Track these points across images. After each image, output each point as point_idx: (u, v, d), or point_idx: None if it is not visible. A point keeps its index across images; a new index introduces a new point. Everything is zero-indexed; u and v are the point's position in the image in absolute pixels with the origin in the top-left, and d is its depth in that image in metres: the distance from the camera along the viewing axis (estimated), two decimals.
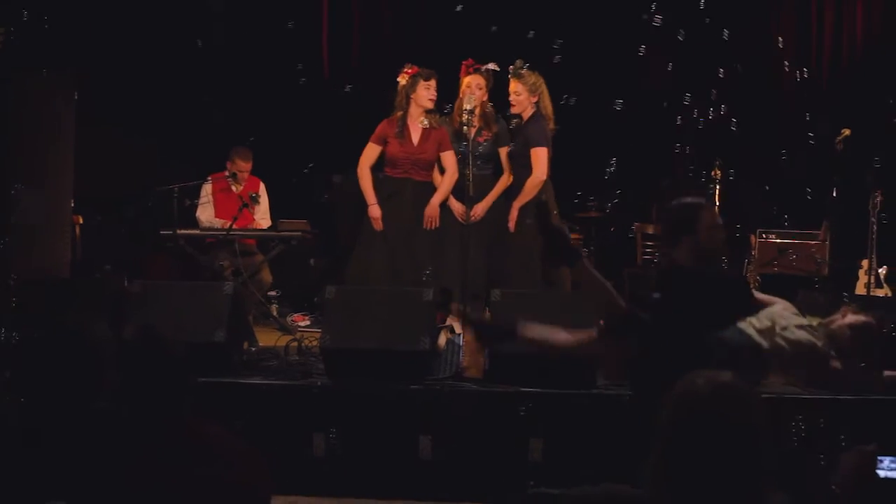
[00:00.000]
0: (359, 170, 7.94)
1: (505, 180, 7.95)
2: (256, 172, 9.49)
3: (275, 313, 9.04)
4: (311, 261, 9.91)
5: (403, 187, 7.85)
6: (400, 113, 7.88)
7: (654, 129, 9.84)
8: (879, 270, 8.69)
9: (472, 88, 7.80)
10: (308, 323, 8.94)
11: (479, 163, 7.77)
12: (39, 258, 8.61)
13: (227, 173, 9.31)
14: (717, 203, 9.11)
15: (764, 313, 4.70)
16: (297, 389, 6.44)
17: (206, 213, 9.31)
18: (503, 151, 7.96)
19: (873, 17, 11.07)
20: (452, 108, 8.01)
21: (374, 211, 7.83)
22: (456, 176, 7.85)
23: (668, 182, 10.67)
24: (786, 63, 10.23)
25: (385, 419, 6.29)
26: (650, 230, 10.48)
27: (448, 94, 8.01)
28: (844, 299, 5.63)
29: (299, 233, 9.05)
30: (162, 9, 10.31)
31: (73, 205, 9.09)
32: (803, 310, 4.96)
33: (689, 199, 5.08)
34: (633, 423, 4.52)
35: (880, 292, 8.62)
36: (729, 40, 10.66)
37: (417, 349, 6.39)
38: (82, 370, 3.09)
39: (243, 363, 6.87)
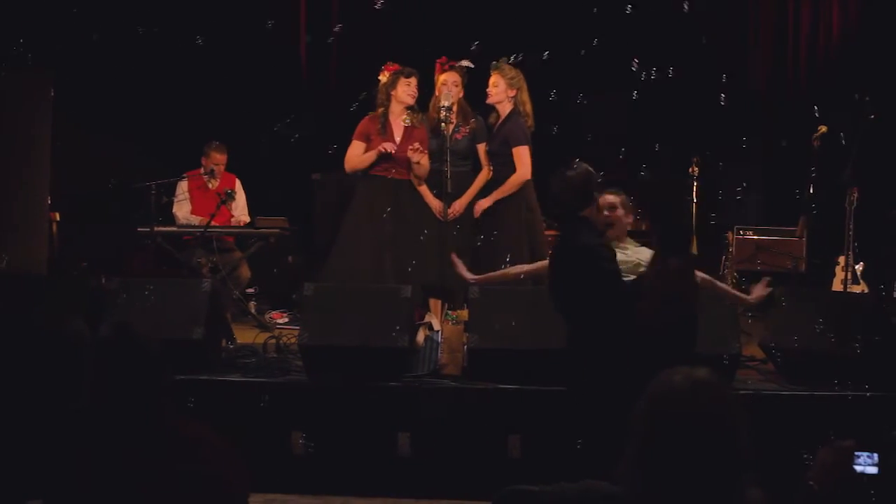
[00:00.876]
0: (348, 167, 7.91)
1: (483, 176, 7.93)
2: (234, 168, 9.47)
3: (253, 310, 9.02)
4: (290, 258, 9.89)
5: (384, 185, 7.83)
6: (381, 110, 7.88)
7: (634, 126, 9.85)
8: (856, 267, 8.73)
9: (449, 85, 7.80)
10: (286, 320, 8.92)
11: (457, 159, 7.75)
12: (16, 255, 8.57)
13: (202, 170, 9.29)
14: (695, 199, 9.12)
15: None
16: (276, 386, 6.43)
17: (182, 210, 9.29)
18: (481, 147, 7.95)
19: (849, 14, 11.12)
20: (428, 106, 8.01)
21: (388, 146, 7.79)
22: (421, 176, 7.83)
23: (648, 178, 10.70)
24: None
25: (363, 416, 6.28)
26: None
27: (423, 94, 8.00)
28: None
29: (277, 230, 9.03)
30: (138, 7, 10.28)
31: (49, 202, 9.05)
32: None
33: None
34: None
35: (857, 288, 8.66)
36: (706, 35, 10.74)
37: (396, 346, 6.38)
38: (59, 368, 3.08)
39: (221, 360, 6.85)
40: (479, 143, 7.95)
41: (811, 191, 8.74)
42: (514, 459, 6.18)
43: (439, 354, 6.62)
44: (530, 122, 7.88)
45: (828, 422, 5.95)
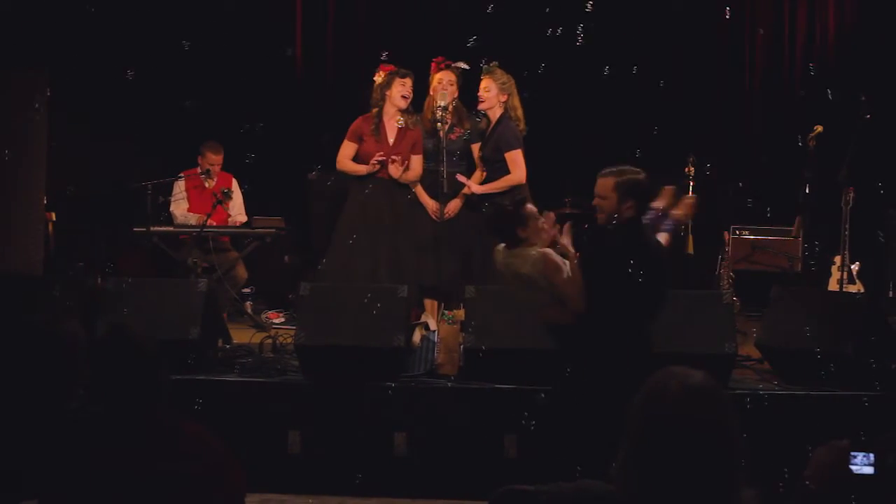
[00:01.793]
0: (339, 167, 7.92)
1: (478, 177, 7.93)
2: (228, 168, 9.46)
3: (249, 310, 9.02)
4: (286, 258, 9.89)
5: (377, 186, 7.83)
6: (375, 110, 7.87)
7: (627, 125, 9.85)
8: (852, 266, 8.74)
9: (444, 84, 7.79)
10: (282, 320, 8.91)
11: (451, 160, 7.75)
12: (12, 255, 8.57)
13: (199, 170, 9.28)
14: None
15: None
16: (272, 386, 6.43)
17: (180, 209, 9.28)
18: (475, 148, 7.94)
19: (846, 13, 11.13)
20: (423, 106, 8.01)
21: (374, 161, 7.79)
22: (415, 179, 7.84)
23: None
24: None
25: (360, 416, 6.28)
26: None
27: (419, 95, 8.00)
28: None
29: (273, 230, 9.03)
30: (134, 7, 10.28)
31: (45, 202, 9.04)
32: None
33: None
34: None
35: (853, 288, 8.66)
36: (703, 35, 10.75)
37: (392, 346, 6.38)
38: (55, 368, 3.08)
39: (217, 360, 6.85)
40: (473, 143, 7.95)
41: (807, 190, 8.74)
42: (511, 459, 6.18)
43: (436, 354, 6.62)
44: (522, 125, 7.87)
45: (823, 421, 5.97)
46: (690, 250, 9.04)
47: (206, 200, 9.03)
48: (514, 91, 7.84)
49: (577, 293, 5.03)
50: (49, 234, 9.35)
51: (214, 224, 8.91)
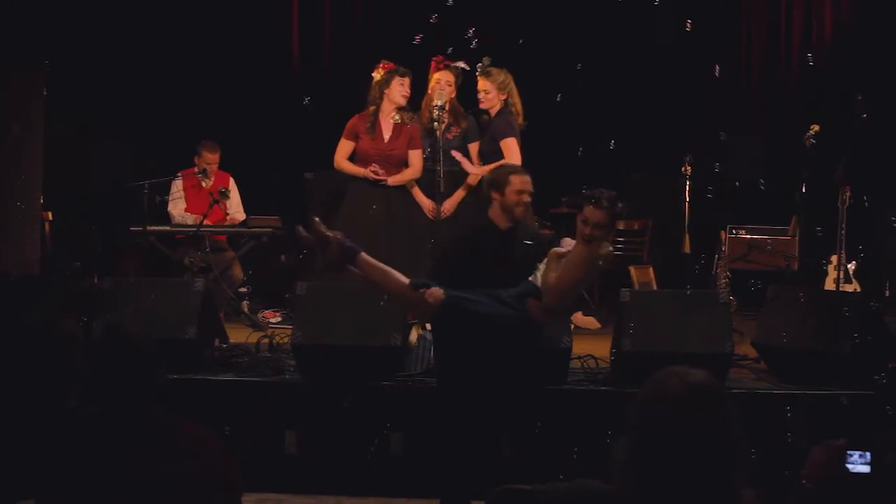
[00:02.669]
0: (336, 165, 7.92)
1: (472, 180, 7.92)
2: (226, 167, 9.46)
3: (245, 310, 9.02)
4: (282, 257, 9.87)
5: (375, 184, 7.83)
6: (372, 108, 7.87)
7: (624, 125, 9.85)
8: (848, 266, 8.74)
9: (442, 84, 7.79)
10: (279, 319, 8.91)
11: (448, 159, 7.75)
12: (8, 255, 8.56)
13: (196, 169, 9.28)
14: (688, 199, 9.11)
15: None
16: (269, 386, 6.43)
17: (177, 208, 9.28)
18: (473, 147, 7.94)
19: (842, 12, 11.14)
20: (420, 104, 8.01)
21: (375, 167, 7.80)
22: (418, 175, 7.85)
23: (639, 177, 10.72)
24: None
25: (356, 416, 6.28)
26: (621, 225, 10.48)
27: (417, 93, 8.00)
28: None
29: (270, 229, 9.02)
30: (131, 6, 10.28)
31: (42, 201, 9.04)
32: None
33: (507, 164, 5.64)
34: None
35: (849, 287, 8.66)
36: (699, 35, 10.73)
37: (389, 345, 6.38)
38: (52, 368, 3.08)
39: (214, 360, 6.85)
40: (470, 142, 7.95)
41: (804, 190, 8.74)
42: (508, 459, 6.17)
43: (432, 354, 6.61)
44: (521, 119, 7.88)
45: (820, 421, 5.97)
46: (687, 249, 9.04)
47: (203, 200, 9.03)
48: (514, 88, 7.86)
49: None
50: (46, 234, 9.35)
51: (211, 224, 8.91)
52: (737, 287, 9.05)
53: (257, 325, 8.45)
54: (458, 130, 7.93)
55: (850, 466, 2.76)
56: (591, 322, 9.04)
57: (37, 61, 9.08)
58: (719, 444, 2.29)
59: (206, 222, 8.75)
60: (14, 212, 8.75)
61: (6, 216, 8.80)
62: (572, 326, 7.06)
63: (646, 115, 10.38)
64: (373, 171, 7.74)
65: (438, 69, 7.87)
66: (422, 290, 5.40)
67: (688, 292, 7.31)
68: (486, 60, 7.84)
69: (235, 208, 9.37)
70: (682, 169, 9.08)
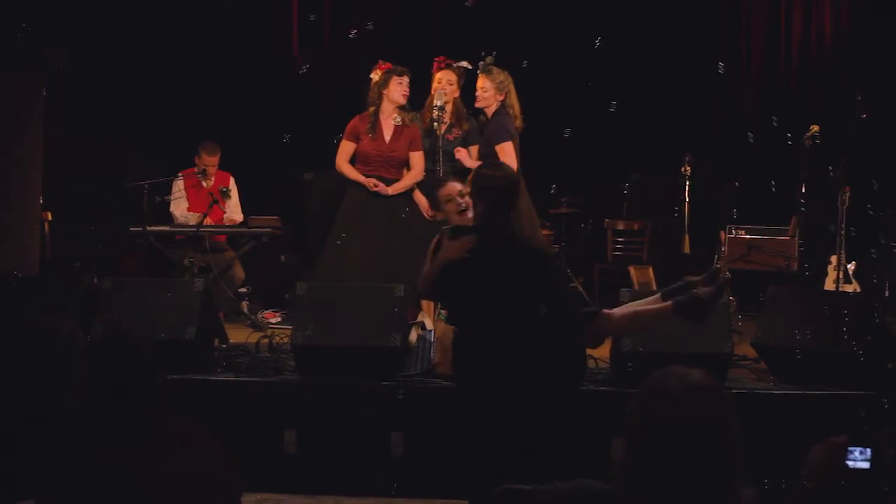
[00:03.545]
0: (338, 168, 7.90)
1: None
2: (226, 168, 9.46)
3: (245, 310, 9.02)
4: (282, 257, 9.88)
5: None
6: (372, 109, 7.86)
7: (623, 124, 9.86)
8: (848, 266, 8.74)
9: (443, 84, 7.79)
10: (279, 319, 8.91)
11: (448, 160, 7.75)
12: (8, 255, 8.56)
13: (196, 169, 9.28)
14: (687, 199, 9.12)
15: None
16: (268, 386, 6.43)
17: (179, 209, 9.28)
18: (473, 150, 7.93)
19: (841, 12, 11.14)
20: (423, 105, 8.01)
21: (376, 183, 7.79)
22: (420, 177, 7.85)
23: (638, 178, 10.72)
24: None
25: (356, 416, 6.28)
26: (621, 226, 10.51)
27: (420, 93, 7.99)
28: None
29: (270, 229, 9.02)
30: (132, 7, 10.28)
31: (41, 201, 9.04)
32: None
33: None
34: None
35: (849, 288, 8.66)
36: (699, 36, 10.75)
37: (389, 346, 6.38)
38: (52, 368, 3.08)
39: (214, 360, 6.85)
40: (471, 145, 7.94)
41: (803, 190, 8.74)
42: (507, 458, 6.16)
43: (432, 353, 6.61)
44: (519, 122, 7.87)
45: (820, 421, 5.97)
46: (687, 249, 9.05)
47: (204, 200, 9.03)
48: (512, 89, 7.84)
49: None
50: (46, 234, 9.35)
51: (211, 224, 8.91)
52: (736, 287, 9.06)
53: (257, 326, 8.45)
54: (460, 132, 7.92)
55: (850, 463, 2.76)
56: None
57: (36, 61, 9.08)
58: (718, 444, 2.29)
59: (205, 222, 8.75)
60: (14, 212, 8.75)
61: (6, 216, 8.79)
62: None
63: (645, 116, 10.38)
64: (373, 185, 7.74)
65: (440, 69, 7.87)
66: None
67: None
68: (488, 59, 7.83)
69: (233, 209, 9.37)
70: (682, 169, 9.09)
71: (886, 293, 9.28)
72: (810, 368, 6.29)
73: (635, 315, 5.02)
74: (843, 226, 8.33)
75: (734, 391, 6.16)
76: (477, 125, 7.99)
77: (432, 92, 7.88)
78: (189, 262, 8.64)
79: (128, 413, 2.98)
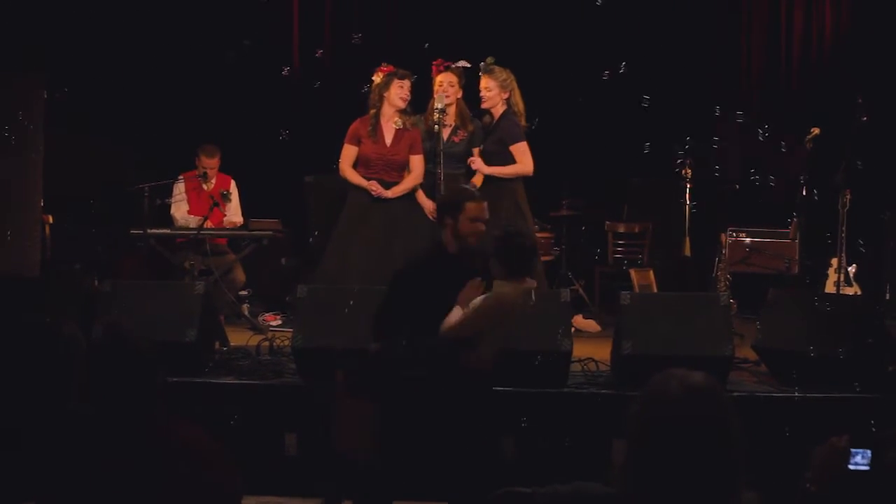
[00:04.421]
0: (342, 172, 7.90)
1: (477, 180, 7.92)
2: (227, 170, 9.46)
3: (246, 313, 9.01)
4: (283, 260, 9.88)
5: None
6: (373, 112, 7.86)
7: (625, 128, 9.86)
8: (849, 269, 8.74)
9: (445, 87, 7.79)
10: (279, 322, 8.91)
11: (452, 162, 7.76)
12: (9, 257, 8.56)
13: (197, 172, 9.28)
14: (688, 202, 9.12)
15: None
16: (269, 389, 6.43)
17: (180, 211, 9.28)
18: (477, 151, 7.94)
19: (842, 15, 11.14)
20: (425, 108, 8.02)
21: (375, 185, 7.79)
22: (420, 180, 7.85)
23: (639, 181, 10.73)
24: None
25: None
26: (621, 229, 10.51)
27: (421, 96, 8.00)
28: None
29: (270, 232, 9.02)
30: (132, 10, 10.29)
31: (42, 204, 9.04)
32: None
33: (462, 187, 5.68)
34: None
35: (849, 290, 8.67)
36: (700, 39, 10.75)
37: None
38: (53, 371, 3.08)
39: (215, 363, 6.85)
40: (476, 146, 7.94)
41: (804, 193, 8.74)
42: (509, 461, 6.17)
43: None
44: (523, 120, 7.89)
45: (821, 424, 5.96)
46: (688, 252, 9.05)
47: (204, 202, 9.03)
48: (516, 87, 7.87)
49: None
50: (46, 237, 9.36)
51: (212, 226, 8.91)
52: (736, 289, 9.07)
53: (258, 328, 8.44)
54: (466, 134, 7.92)
55: (852, 466, 2.76)
56: (591, 325, 9.05)
57: (37, 64, 9.09)
58: (719, 447, 2.29)
59: (206, 225, 8.75)
60: (15, 214, 8.75)
61: (7, 218, 8.80)
62: (573, 329, 7.07)
63: (646, 119, 10.38)
64: (374, 189, 7.74)
65: (440, 71, 7.87)
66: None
67: None
68: (489, 59, 7.85)
69: (233, 212, 9.36)
70: (682, 172, 9.09)
71: (887, 296, 9.28)
72: (811, 371, 6.28)
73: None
74: (843, 228, 8.33)
75: (735, 394, 6.17)
76: (481, 126, 7.99)
77: (434, 95, 7.88)
78: (190, 264, 8.64)
79: (128, 416, 2.98)
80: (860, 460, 2.73)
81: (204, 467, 2.94)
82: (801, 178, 8.72)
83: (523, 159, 7.75)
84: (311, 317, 6.57)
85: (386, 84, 7.80)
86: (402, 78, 7.80)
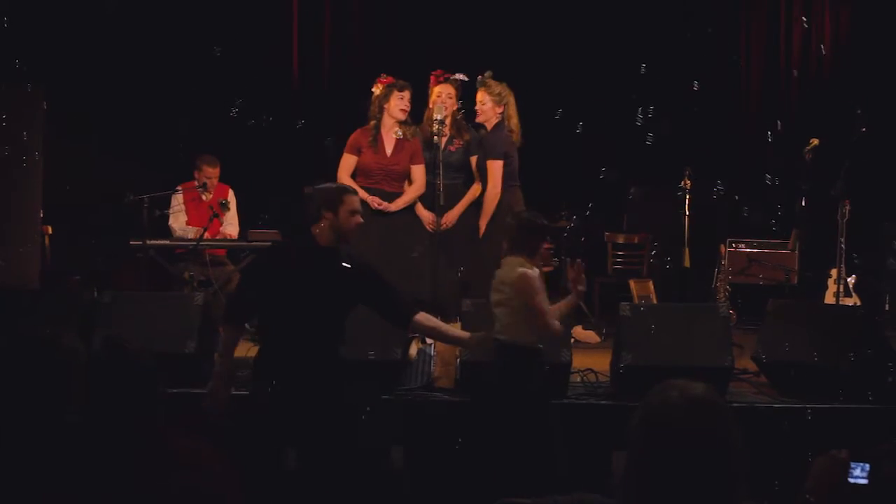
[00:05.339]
0: (339, 182, 7.91)
1: (475, 189, 7.94)
2: (225, 181, 9.46)
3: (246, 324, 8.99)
4: None
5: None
6: (373, 122, 7.88)
7: (624, 139, 9.87)
8: (848, 279, 8.74)
9: (443, 98, 7.82)
10: None
11: (450, 172, 7.77)
12: (8, 268, 8.56)
13: (196, 183, 9.28)
14: (688, 212, 9.12)
15: None
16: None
17: (178, 222, 9.28)
18: (473, 161, 7.96)
19: (841, 27, 11.16)
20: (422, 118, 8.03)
21: (377, 200, 7.80)
22: (422, 191, 7.87)
23: (638, 192, 10.73)
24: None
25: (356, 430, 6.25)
26: (621, 239, 10.52)
27: (419, 106, 8.01)
28: None
29: (269, 243, 9.00)
30: (132, 21, 10.30)
31: (42, 215, 9.05)
32: None
33: (335, 184, 5.91)
34: None
35: (849, 301, 8.67)
36: (699, 49, 10.75)
37: (389, 359, 6.37)
38: (52, 382, 3.07)
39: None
40: (472, 156, 7.96)
41: (803, 203, 8.75)
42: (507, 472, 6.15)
43: (432, 367, 6.61)
44: (517, 136, 7.91)
45: (821, 435, 5.96)
46: (687, 264, 9.04)
47: (203, 213, 9.03)
48: (511, 101, 7.89)
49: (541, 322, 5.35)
50: (46, 248, 9.36)
51: (210, 237, 8.91)
52: (736, 300, 9.07)
53: (257, 339, 8.42)
54: (461, 143, 7.94)
55: (851, 479, 2.76)
56: (591, 336, 9.04)
57: (36, 76, 9.10)
58: (720, 458, 2.29)
59: (205, 236, 8.75)
60: (14, 225, 8.76)
61: (7, 229, 8.80)
62: (572, 340, 7.07)
63: (645, 130, 10.38)
64: (377, 204, 7.75)
65: (438, 82, 7.89)
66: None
67: None
68: (486, 73, 7.87)
69: (229, 222, 9.36)
70: (682, 183, 9.09)
71: (887, 307, 9.28)
72: (811, 382, 6.28)
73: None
74: (842, 239, 8.33)
75: (735, 405, 6.16)
76: (477, 136, 8.01)
77: (431, 106, 7.90)
78: (189, 275, 8.63)
79: (128, 427, 2.97)
80: (859, 473, 2.73)
81: (204, 479, 2.93)
82: (801, 188, 8.72)
83: (490, 179, 7.77)
84: None
85: (386, 95, 7.83)
86: (401, 89, 7.83)
